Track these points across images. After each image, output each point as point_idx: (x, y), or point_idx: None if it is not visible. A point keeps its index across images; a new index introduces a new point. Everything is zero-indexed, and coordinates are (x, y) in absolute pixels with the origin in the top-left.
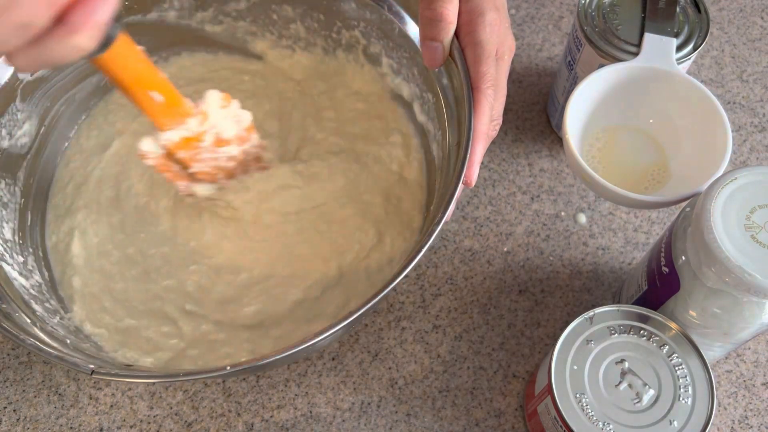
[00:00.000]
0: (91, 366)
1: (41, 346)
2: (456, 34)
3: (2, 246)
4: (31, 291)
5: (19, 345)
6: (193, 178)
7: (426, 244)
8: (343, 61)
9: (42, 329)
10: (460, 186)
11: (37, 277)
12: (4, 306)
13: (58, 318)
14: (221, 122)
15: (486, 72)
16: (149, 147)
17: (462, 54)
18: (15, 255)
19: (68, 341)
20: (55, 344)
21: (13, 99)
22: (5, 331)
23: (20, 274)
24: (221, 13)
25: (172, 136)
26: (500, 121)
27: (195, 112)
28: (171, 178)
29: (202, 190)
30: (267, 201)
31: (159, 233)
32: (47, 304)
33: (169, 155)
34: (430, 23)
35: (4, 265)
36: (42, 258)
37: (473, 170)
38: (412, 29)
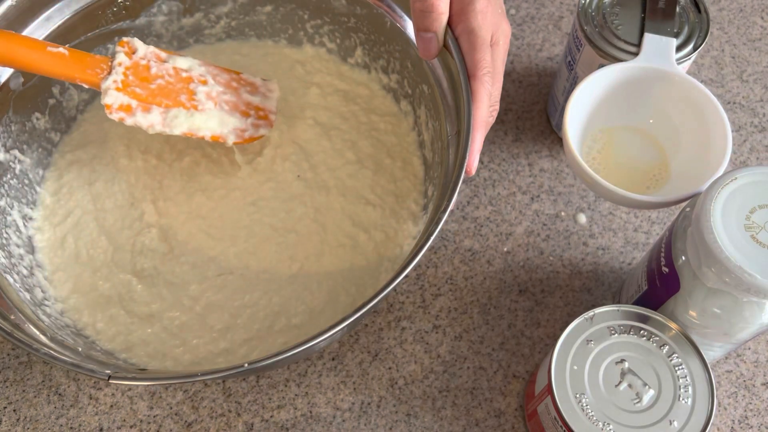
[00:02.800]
0: (108, 371)
1: (56, 355)
2: (449, 23)
3: (7, 260)
4: (37, 300)
5: (29, 353)
6: (159, 101)
7: (431, 235)
8: (335, 56)
9: (52, 339)
10: (462, 174)
11: (42, 290)
12: (12, 317)
13: (66, 327)
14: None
15: (481, 59)
16: (111, 98)
17: (456, 43)
18: (22, 269)
19: (80, 349)
20: (67, 352)
21: (6, 110)
22: (18, 341)
23: (23, 287)
24: (209, 15)
25: (115, 77)
26: (498, 107)
27: (117, 52)
28: (142, 108)
29: (177, 118)
30: (258, 195)
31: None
32: (54, 315)
33: (128, 91)
34: (422, 14)
35: (8, 278)
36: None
37: (474, 158)
38: (405, 22)
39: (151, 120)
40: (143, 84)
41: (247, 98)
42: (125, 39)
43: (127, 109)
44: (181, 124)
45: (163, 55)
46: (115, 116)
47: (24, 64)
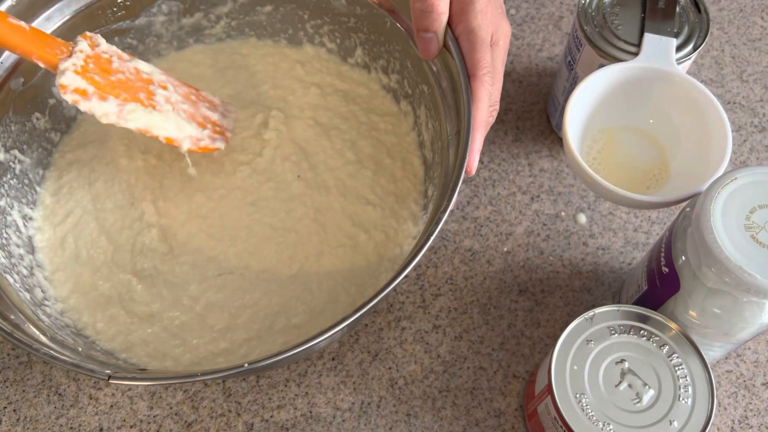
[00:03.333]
0: (108, 371)
1: (56, 355)
2: (449, 23)
3: (7, 260)
4: (37, 300)
5: (29, 353)
6: (116, 93)
7: (431, 235)
8: (335, 56)
9: (52, 339)
10: (462, 174)
11: (42, 290)
12: (12, 317)
13: (66, 327)
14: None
15: (481, 59)
16: (68, 79)
17: (456, 43)
18: (22, 269)
19: (80, 349)
20: (67, 352)
21: (6, 110)
22: (18, 341)
23: (23, 287)
24: (209, 15)
25: (74, 60)
26: (497, 107)
27: (78, 40)
28: (98, 95)
29: (132, 112)
30: (259, 195)
31: (153, 241)
32: (54, 315)
33: (86, 76)
34: (422, 14)
35: (8, 278)
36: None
37: (474, 158)
38: (404, 22)
39: (107, 109)
40: (103, 74)
41: (205, 112)
42: (88, 33)
43: (83, 93)
44: (137, 118)
45: (126, 56)
46: (68, 98)
47: None
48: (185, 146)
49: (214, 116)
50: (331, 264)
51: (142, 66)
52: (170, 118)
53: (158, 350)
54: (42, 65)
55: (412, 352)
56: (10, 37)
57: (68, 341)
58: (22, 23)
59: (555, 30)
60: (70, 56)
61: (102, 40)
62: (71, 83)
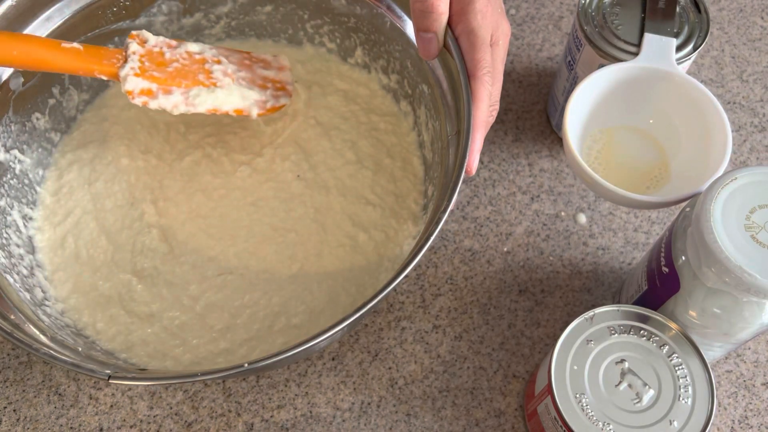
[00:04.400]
0: (108, 371)
1: (56, 355)
2: (449, 23)
3: (8, 260)
4: (37, 300)
5: (29, 353)
6: (178, 82)
7: (431, 235)
8: (335, 56)
9: (52, 339)
10: (462, 174)
11: (42, 290)
12: (12, 317)
13: (66, 327)
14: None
15: (481, 59)
16: (132, 84)
17: (456, 43)
18: (22, 269)
19: (80, 349)
20: (67, 352)
21: (6, 110)
22: (18, 341)
23: (23, 287)
24: (209, 15)
25: (131, 64)
26: (497, 107)
27: (128, 42)
28: (162, 90)
29: (198, 98)
30: (259, 194)
31: (152, 238)
32: (54, 315)
33: (146, 75)
34: (422, 15)
35: (8, 278)
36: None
37: (474, 158)
38: (404, 22)
39: (174, 101)
40: (160, 68)
41: (262, 73)
42: (134, 32)
43: (149, 93)
44: (204, 101)
45: (174, 42)
46: (138, 101)
47: (43, 64)
48: (254, 113)
49: (271, 74)
50: (331, 264)
51: (192, 47)
52: (233, 90)
53: (158, 350)
54: (105, 78)
55: (412, 352)
56: (71, 61)
57: (68, 341)
58: (76, 44)
59: (555, 30)
60: (126, 61)
61: (149, 35)
62: (136, 86)
